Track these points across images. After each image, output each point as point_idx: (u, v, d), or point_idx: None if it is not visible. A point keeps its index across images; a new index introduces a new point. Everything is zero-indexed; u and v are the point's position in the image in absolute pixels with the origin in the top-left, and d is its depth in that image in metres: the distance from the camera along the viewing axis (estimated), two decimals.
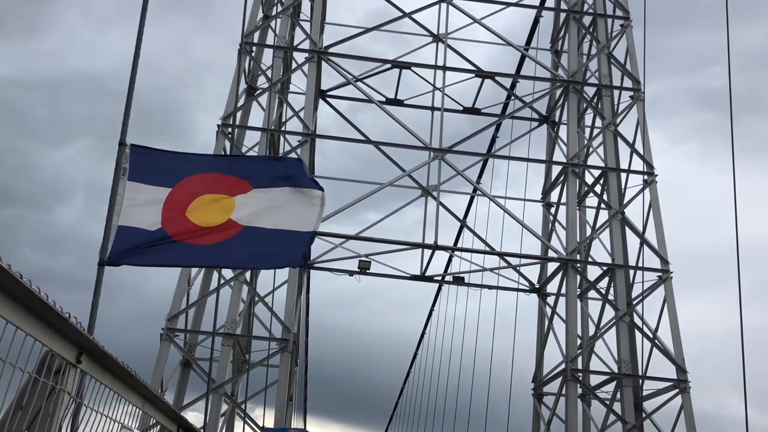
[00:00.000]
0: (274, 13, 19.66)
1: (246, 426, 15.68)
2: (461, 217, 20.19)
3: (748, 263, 15.26)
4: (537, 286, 20.36)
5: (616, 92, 19.38)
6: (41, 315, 3.37)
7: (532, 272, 20.38)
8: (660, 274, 17.24)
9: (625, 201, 18.30)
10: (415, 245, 18.10)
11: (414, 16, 19.82)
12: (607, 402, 17.05)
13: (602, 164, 18.85)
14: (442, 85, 19.28)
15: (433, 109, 19.92)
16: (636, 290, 17.65)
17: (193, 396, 16.45)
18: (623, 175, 18.51)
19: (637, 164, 18.51)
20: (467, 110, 21.80)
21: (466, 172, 18.74)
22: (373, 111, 21.71)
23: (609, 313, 17.92)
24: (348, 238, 18.05)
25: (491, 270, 19.52)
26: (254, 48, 19.12)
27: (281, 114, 19.90)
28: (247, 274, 16.85)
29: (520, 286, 20.33)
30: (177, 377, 16.49)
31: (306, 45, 19.20)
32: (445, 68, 19.33)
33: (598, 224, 19.17)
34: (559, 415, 17.25)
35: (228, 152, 17.18)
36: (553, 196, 20.93)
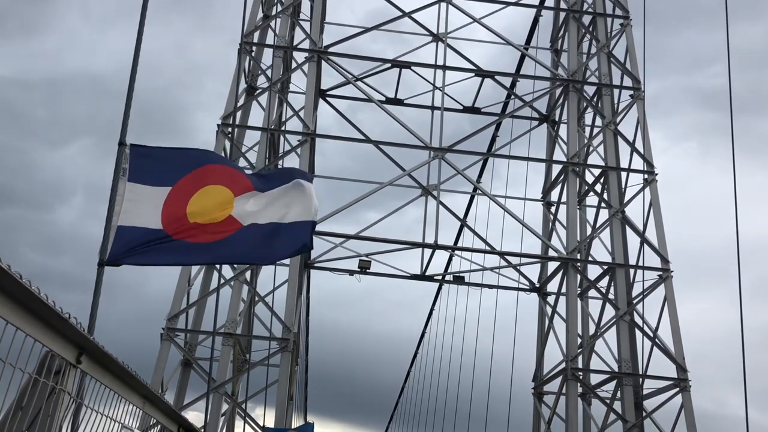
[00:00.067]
0: (273, 12, 19.65)
1: (246, 425, 15.69)
2: (461, 217, 20.19)
3: (749, 262, 15.28)
4: (537, 286, 20.36)
5: (616, 91, 19.38)
6: (41, 315, 3.37)
7: (533, 271, 20.42)
8: (660, 273, 17.25)
9: (626, 200, 18.30)
10: (415, 245, 18.10)
11: (414, 15, 19.81)
12: (608, 401, 17.05)
13: (602, 163, 18.85)
14: (442, 85, 19.29)
15: (433, 108, 19.93)
16: (636, 289, 17.67)
17: (193, 396, 16.47)
18: (623, 174, 18.51)
19: (638, 163, 18.53)
20: (467, 109, 21.80)
21: (466, 171, 18.75)
22: (373, 110, 21.74)
23: (609, 312, 17.93)
24: (348, 237, 18.05)
25: (491, 269, 19.53)
26: (254, 48, 19.11)
27: (281, 114, 19.90)
28: (248, 274, 16.86)
29: (521, 286, 20.35)
30: (177, 377, 16.49)
31: (306, 44, 19.19)
32: (445, 67, 19.33)
33: (599, 223, 19.18)
34: (560, 414, 17.25)
35: (228, 152, 17.17)
36: (554, 196, 20.94)
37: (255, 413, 16.62)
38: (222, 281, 15.66)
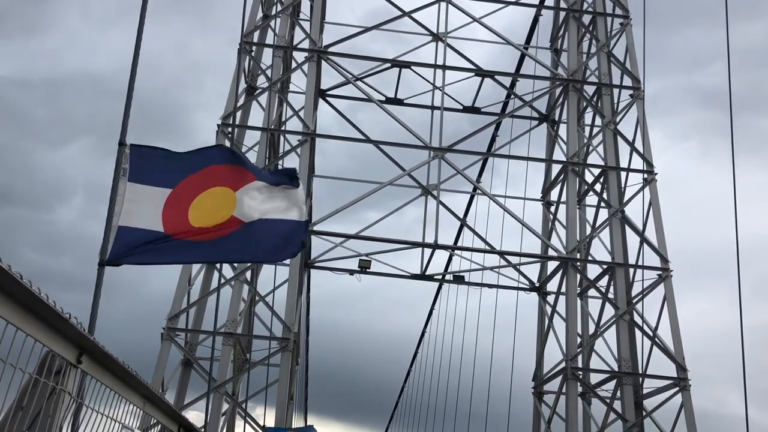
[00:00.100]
0: (273, 12, 19.65)
1: (247, 425, 15.70)
2: (461, 216, 20.19)
3: (748, 261, 15.28)
4: (537, 285, 20.37)
5: (615, 91, 19.39)
6: (41, 316, 3.38)
7: (532, 271, 20.43)
8: (660, 272, 17.25)
9: (625, 199, 18.30)
10: (415, 244, 18.11)
11: (413, 15, 19.81)
12: (608, 400, 17.06)
13: (602, 163, 18.85)
14: (442, 84, 19.29)
15: (432, 108, 19.93)
16: (636, 288, 17.68)
17: (194, 395, 16.48)
18: (623, 174, 18.52)
19: (637, 163, 18.53)
20: (467, 109, 21.80)
21: (466, 171, 18.76)
22: (373, 110, 21.74)
23: (609, 311, 17.94)
24: (348, 237, 18.06)
25: (491, 269, 19.54)
26: (254, 47, 19.12)
27: (281, 113, 19.91)
28: (248, 274, 16.86)
29: (520, 285, 20.35)
30: (178, 377, 16.50)
31: (306, 44, 19.19)
32: (444, 67, 19.33)
33: (598, 223, 19.19)
34: (560, 413, 17.26)
35: None
36: (553, 195, 20.94)
37: (255, 413, 16.65)
38: (222, 281, 15.67)
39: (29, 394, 3.57)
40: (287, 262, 16.63)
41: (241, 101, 18.28)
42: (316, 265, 19.52)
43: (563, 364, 17.07)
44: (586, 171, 19.29)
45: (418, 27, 19.89)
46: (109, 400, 4.65)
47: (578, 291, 18.08)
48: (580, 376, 16.92)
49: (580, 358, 17.36)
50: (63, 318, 3.46)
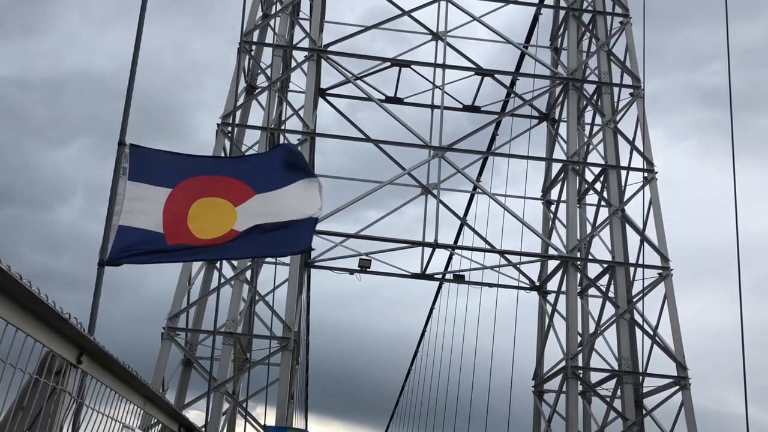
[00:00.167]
0: (273, 11, 19.64)
1: (247, 424, 15.70)
2: (461, 215, 20.19)
3: (749, 260, 15.27)
4: (537, 284, 20.37)
5: (615, 89, 19.38)
6: (41, 316, 3.37)
7: (533, 270, 20.43)
8: (660, 271, 17.25)
9: (626, 198, 18.30)
10: (415, 243, 18.10)
11: (413, 14, 19.80)
12: (608, 399, 17.06)
13: (602, 162, 18.85)
14: (442, 83, 19.28)
15: (432, 107, 19.92)
16: (636, 287, 17.68)
17: (194, 395, 16.48)
18: (623, 173, 18.51)
19: (637, 161, 18.53)
20: (467, 108, 21.79)
21: (466, 170, 18.75)
22: (373, 109, 21.74)
23: (609, 310, 17.94)
24: (348, 236, 18.06)
25: (491, 268, 19.53)
26: (254, 47, 19.11)
27: (281, 113, 19.91)
28: (248, 273, 16.86)
29: (521, 284, 20.35)
30: (178, 376, 16.50)
31: (305, 43, 19.18)
32: (444, 66, 19.32)
33: (599, 222, 19.19)
34: (560, 412, 17.26)
35: (228, 151, 17.18)
36: (553, 194, 20.94)
37: (256, 412, 16.68)
38: (222, 280, 15.66)
39: (29, 395, 3.56)
40: (287, 261, 16.64)
41: (240, 100, 18.28)
42: (316, 264, 19.52)
43: (563, 363, 17.07)
44: (587, 170, 19.29)
45: (417, 26, 19.89)
46: (110, 400, 4.64)
47: (578, 290, 18.08)
48: (581, 375, 16.92)
49: (580, 357, 17.35)
50: (63, 318, 3.45)
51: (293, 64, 19.46)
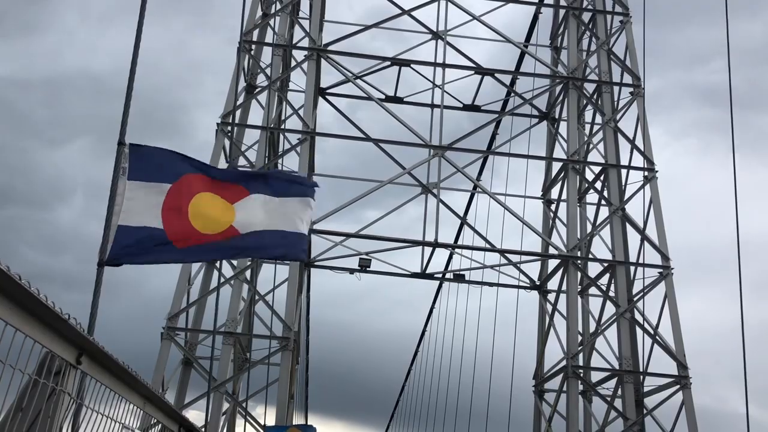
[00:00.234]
0: (273, 11, 19.62)
1: (247, 424, 15.69)
2: (461, 215, 20.19)
3: (749, 258, 15.29)
4: (538, 283, 20.36)
5: (616, 88, 19.37)
6: (41, 316, 3.36)
7: (533, 269, 20.42)
8: (661, 270, 17.23)
9: (626, 197, 18.29)
10: (415, 243, 18.09)
11: (413, 13, 19.79)
12: (608, 398, 17.04)
13: (602, 161, 18.83)
14: (442, 83, 19.27)
15: (432, 106, 19.90)
16: (637, 286, 17.67)
17: (194, 395, 16.47)
18: (623, 172, 18.50)
19: (638, 160, 18.53)
20: (467, 107, 21.78)
21: (466, 169, 18.74)
22: (373, 109, 21.70)
23: (610, 309, 17.92)
24: (348, 236, 18.04)
25: (492, 267, 19.52)
26: (253, 46, 19.09)
27: (281, 112, 19.89)
28: (248, 273, 16.85)
29: (521, 283, 20.34)
30: (178, 376, 16.48)
31: (305, 43, 19.16)
32: (444, 65, 19.31)
33: (599, 221, 19.16)
34: (560, 411, 17.25)
35: (227, 151, 17.17)
36: (554, 193, 20.92)
37: (256, 412, 16.67)
38: (222, 280, 15.64)
39: (29, 395, 3.55)
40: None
41: (240, 100, 18.26)
42: (316, 264, 19.50)
43: (564, 363, 17.06)
44: (587, 169, 19.28)
45: (417, 25, 19.88)
46: (109, 400, 4.63)
47: (579, 289, 18.06)
48: (581, 375, 16.91)
49: (580, 356, 17.34)
50: (62, 319, 3.44)
51: (293, 63, 19.44)
